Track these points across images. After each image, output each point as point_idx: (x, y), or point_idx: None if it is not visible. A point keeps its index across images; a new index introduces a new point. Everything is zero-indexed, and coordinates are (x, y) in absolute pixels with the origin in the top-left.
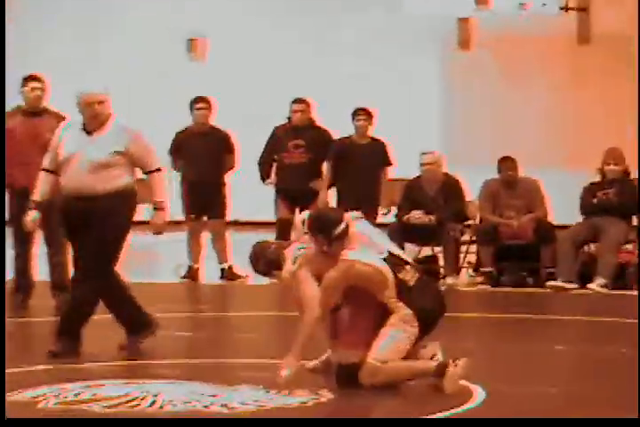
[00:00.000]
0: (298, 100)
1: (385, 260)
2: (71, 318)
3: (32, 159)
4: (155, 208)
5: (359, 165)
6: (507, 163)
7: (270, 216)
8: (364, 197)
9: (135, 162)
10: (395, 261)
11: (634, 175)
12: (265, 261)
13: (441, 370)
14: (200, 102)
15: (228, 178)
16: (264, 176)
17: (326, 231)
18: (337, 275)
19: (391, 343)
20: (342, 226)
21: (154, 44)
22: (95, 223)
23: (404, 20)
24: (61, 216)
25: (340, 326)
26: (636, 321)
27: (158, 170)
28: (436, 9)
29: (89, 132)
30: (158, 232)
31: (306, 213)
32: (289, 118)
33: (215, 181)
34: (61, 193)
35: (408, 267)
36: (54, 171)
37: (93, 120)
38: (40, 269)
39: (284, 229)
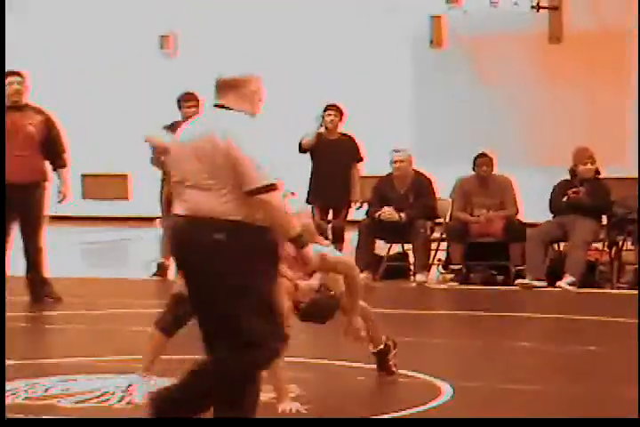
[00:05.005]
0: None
1: None
2: None
3: (13, 153)
4: None
5: (329, 161)
6: (482, 159)
7: None
8: (335, 193)
9: None
10: None
11: (603, 175)
12: None
13: None
14: (190, 100)
15: None
16: None
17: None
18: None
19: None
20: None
21: (125, 40)
22: None
23: (376, 17)
24: None
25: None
26: (604, 319)
27: None
28: (409, 6)
29: None
30: None
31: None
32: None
33: None
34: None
35: None
36: None
37: None
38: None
39: None
